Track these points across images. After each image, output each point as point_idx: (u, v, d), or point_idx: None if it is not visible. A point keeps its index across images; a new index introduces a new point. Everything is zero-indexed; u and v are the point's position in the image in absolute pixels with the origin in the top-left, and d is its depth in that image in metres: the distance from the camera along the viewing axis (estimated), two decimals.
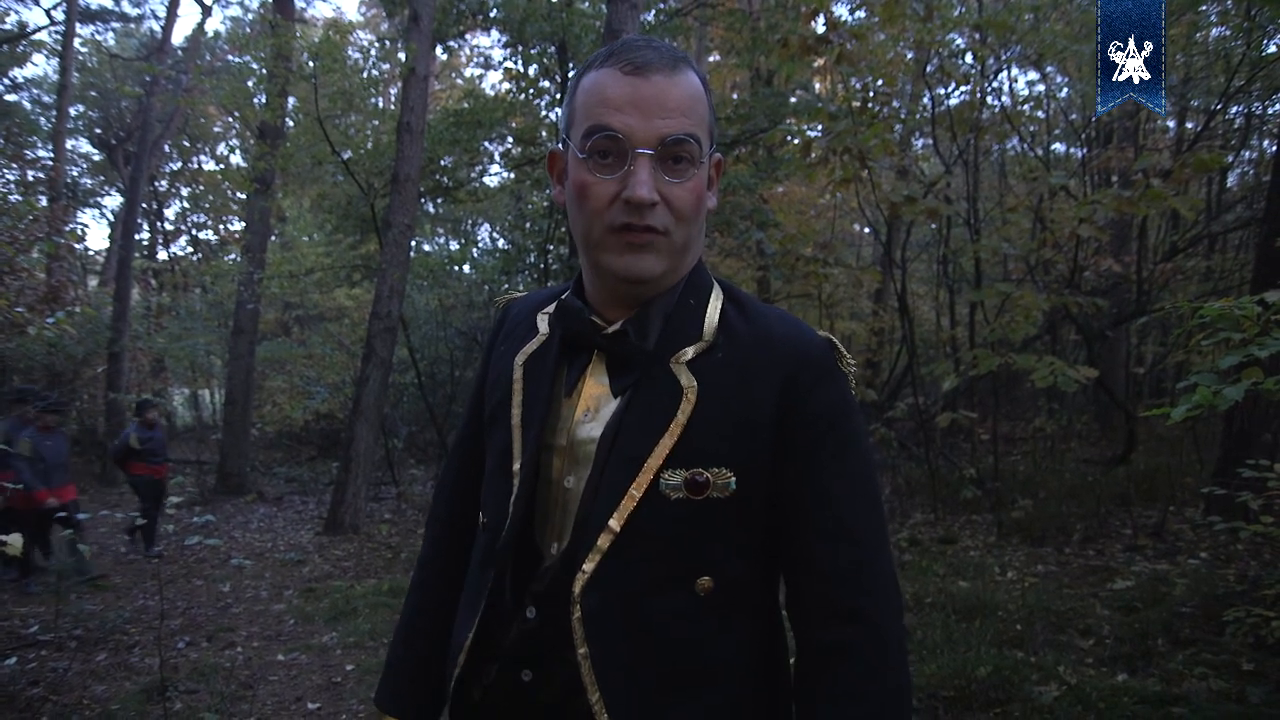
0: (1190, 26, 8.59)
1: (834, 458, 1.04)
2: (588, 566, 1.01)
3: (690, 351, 1.06)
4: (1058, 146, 13.43)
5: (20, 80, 19.56)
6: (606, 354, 1.09)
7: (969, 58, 8.75)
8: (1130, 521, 6.87)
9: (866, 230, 15.82)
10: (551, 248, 12.46)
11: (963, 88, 8.68)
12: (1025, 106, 10.79)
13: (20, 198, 11.45)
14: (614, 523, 1.01)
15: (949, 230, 9.63)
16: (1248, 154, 11.51)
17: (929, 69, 8.56)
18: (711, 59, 16.16)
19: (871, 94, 8.03)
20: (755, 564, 1.08)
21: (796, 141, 8.83)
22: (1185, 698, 3.54)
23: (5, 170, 14.23)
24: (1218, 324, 2.69)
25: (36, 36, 17.64)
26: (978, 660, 3.98)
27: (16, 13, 17.92)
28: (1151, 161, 6.99)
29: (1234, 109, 9.95)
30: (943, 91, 8.70)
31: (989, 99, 9.04)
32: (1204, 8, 8.57)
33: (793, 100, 12.32)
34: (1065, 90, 12.47)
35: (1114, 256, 9.40)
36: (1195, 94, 10.81)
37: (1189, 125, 11.32)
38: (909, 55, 9.25)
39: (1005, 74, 9.85)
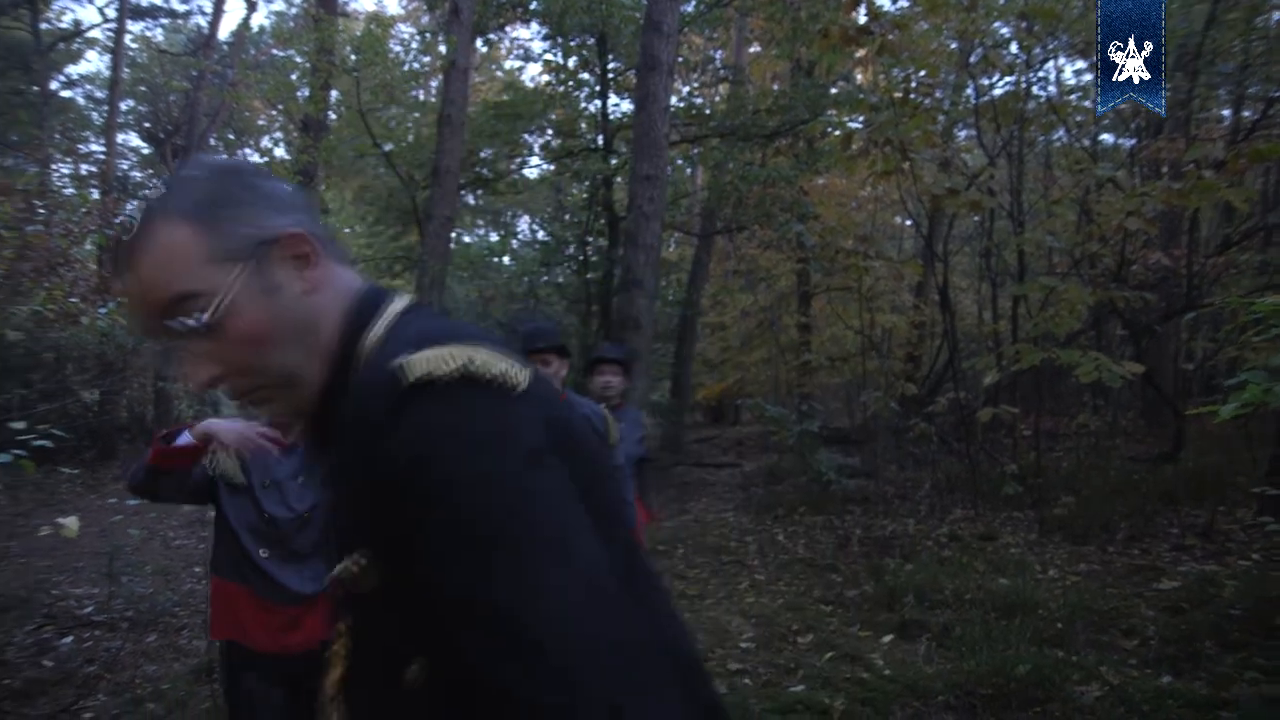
0: (1250, 10, 8.33)
1: (435, 523, 0.76)
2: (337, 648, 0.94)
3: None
4: (1106, 137, 13.11)
5: (75, 77, 20.11)
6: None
7: (1014, 47, 8.60)
8: (1177, 521, 6.72)
9: (908, 223, 15.63)
10: (590, 239, 12.51)
11: (1007, 78, 8.52)
12: (1072, 96, 10.56)
13: (74, 191, 11.76)
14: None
15: (992, 223, 9.48)
16: None
17: (972, 59, 8.43)
18: (752, 50, 16.06)
19: (914, 85, 7.92)
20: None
21: (837, 133, 8.75)
22: (1234, 702, 3.47)
23: (60, 164, 14.63)
24: (1270, 320, 2.63)
25: (90, 34, 18.11)
26: (1017, 658, 3.93)
27: (72, 11, 18.38)
28: (1204, 152, 6.80)
29: None
30: (986, 82, 8.56)
31: (1034, 89, 8.88)
32: None
33: (833, 91, 12.23)
34: None
35: (1163, 250, 9.18)
36: (1253, 80, 10.49)
37: (1245, 114, 11.00)
38: (952, 45, 9.10)
39: (1052, 63, 9.66)
